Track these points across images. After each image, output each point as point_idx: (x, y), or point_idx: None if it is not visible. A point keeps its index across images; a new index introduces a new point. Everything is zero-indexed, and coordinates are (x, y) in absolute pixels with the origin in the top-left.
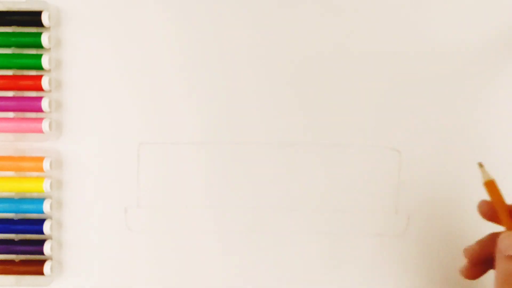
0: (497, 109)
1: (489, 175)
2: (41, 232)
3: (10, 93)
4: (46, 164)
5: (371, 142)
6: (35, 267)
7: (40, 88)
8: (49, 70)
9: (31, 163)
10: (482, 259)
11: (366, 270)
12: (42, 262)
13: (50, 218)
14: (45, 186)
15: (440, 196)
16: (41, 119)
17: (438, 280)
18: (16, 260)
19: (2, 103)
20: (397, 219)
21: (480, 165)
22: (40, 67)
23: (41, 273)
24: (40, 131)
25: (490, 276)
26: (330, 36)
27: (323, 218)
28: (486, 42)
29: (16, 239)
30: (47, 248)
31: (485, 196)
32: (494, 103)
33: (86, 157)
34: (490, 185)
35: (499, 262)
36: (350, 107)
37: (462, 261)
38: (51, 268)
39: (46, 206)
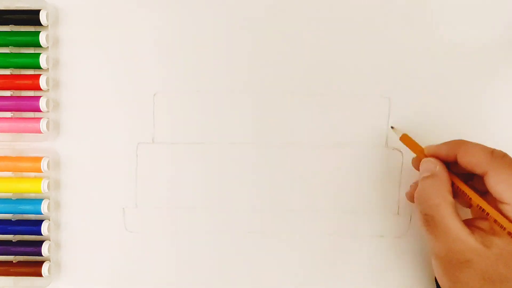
0: (501, 108)
1: (401, 131)
2: (39, 233)
3: (7, 93)
4: (43, 165)
5: (373, 143)
6: (33, 268)
7: (38, 88)
8: (47, 69)
9: (28, 164)
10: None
11: (368, 271)
12: (40, 263)
13: (48, 219)
14: (43, 186)
15: None
16: (38, 119)
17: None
18: (14, 261)
19: (0, 102)
20: (398, 220)
21: (392, 127)
22: (38, 66)
23: (39, 274)
24: (38, 131)
25: None
26: (330, 36)
27: (324, 219)
28: (487, 41)
29: (13, 240)
30: (45, 249)
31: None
32: (497, 103)
33: (84, 157)
34: (405, 139)
35: (419, 184)
36: (351, 107)
37: None
38: (49, 269)
39: (43, 207)
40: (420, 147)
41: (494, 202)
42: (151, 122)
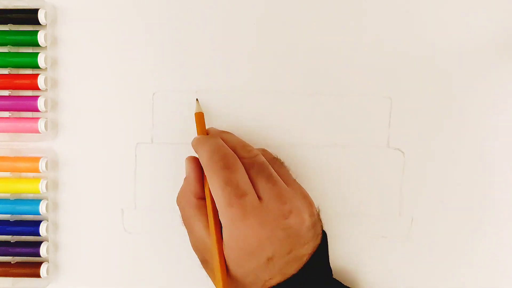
0: (501, 108)
1: (201, 109)
2: (37, 234)
3: (5, 92)
4: (42, 165)
5: (374, 143)
6: (31, 269)
7: (36, 87)
8: (45, 69)
9: (26, 164)
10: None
11: (369, 273)
12: (38, 264)
13: (46, 219)
14: (41, 187)
15: (444, 198)
16: (37, 119)
17: (441, 282)
18: (12, 262)
19: None
20: (400, 221)
21: (196, 99)
22: (36, 66)
23: (37, 275)
24: (36, 131)
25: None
26: (330, 36)
27: (326, 221)
28: (487, 41)
29: (11, 241)
30: (43, 250)
31: (492, 197)
32: (499, 102)
33: (82, 157)
34: (198, 117)
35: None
36: (352, 107)
37: (467, 263)
38: (47, 270)
39: (42, 208)
40: (203, 132)
41: None
42: (150, 122)
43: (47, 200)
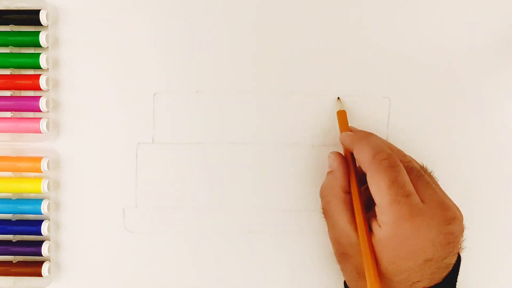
0: (501, 108)
1: (343, 107)
2: (39, 233)
3: (7, 93)
4: (43, 165)
5: None
6: (33, 269)
7: (37, 88)
8: (47, 69)
9: (28, 164)
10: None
11: None
12: (40, 263)
13: (48, 219)
14: (43, 186)
15: None
16: (38, 119)
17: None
18: (14, 261)
19: (0, 102)
20: None
21: (338, 98)
22: (38, 66)
23: (39, 275)
24: (38, 131)
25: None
26: (330, 36)
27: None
28: (487, 41)
29: (13, 240)
30: (44, 249)
31: (490, 196)
32: (498, 102)
33: (84, 157)
34: (341, 115)
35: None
36: (351, 107)
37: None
38: (49, 269)
39: (43, 207)
40: (346, 129)
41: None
42: (151, 122)
43: (49, 199)
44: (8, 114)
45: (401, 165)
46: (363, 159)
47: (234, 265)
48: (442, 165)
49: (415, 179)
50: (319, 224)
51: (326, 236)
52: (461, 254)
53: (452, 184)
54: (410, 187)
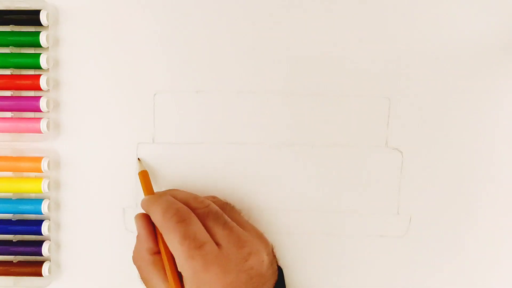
0: (501, 108)
1: (144, 167)
2: (39, 233)
3: (7, 93)
4: (44, 165)
5: (373, 143)
6: (33, 268)
7: (38, 88)
8: (47, 70)
9: (29, 164)
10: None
11: (367, 271)
12: (40, 263)
13: (48, 219)
14: (43, 186)
15: (441, 197)
16: (39, 119)
17: (439, 281)
18: (14, 261)
19: (0, 102)
20: (398, 220)
21: (138, 159)
22: (38, 67)
23: (39, 274)
24: (38, 131)
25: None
26: (329, 36)
27: (324, 219)
28: (487, 41)
29: (14, 240)
30: (45, 249)
31: (489, 196)
32: (497, 103)
33: (84, 157)
34: (143, 176)
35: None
36: (351, 107)
37: (465, 262)
38: (49, 269)
39: (44, 207)
40: (150, 191)
41: None
42: (151, 122)
43: (49, 199)
44: (8, 114)
45: (192, 215)
46: (156, 220)
47: None
48: (442, 165)
49: (212, 223)
50: (320, 225)
51: (328, 236)
52: (281, 267)
53: (451, 183)
54: (203, 235)
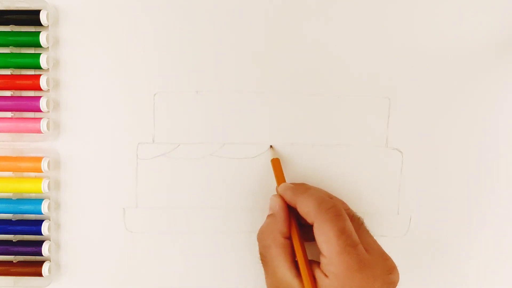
0: (500, 108)
1: (276, 155)
2: (39, 233)
3: (8, 93)
4: (44, 165)
5: (373, 143)
6: (33, 268)
7: (38, 88)
8: (47, 70)
9: (29, 164)
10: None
11: None
12: (40, 263)
13: (48, 219)
14: (43, 186)
15: (442, 197)
16: (39, 119)
17: (440, 281)
18: (14, 261)
19: (0, 102)
20: (399, 220)
21: (271, 146)
22: (38, 67)
23: (39, 274)
24: (38, 131)
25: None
26: (330, 36)
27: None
28: (487, 41)
29: (14, 240)
30: (45, 249)
31: (489, 196)
32: (497, 103)
33: (84, 157)
34: (275, 163)
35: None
36: (351, 107)
37: (465, 262)
38: (49, 269)
39: (44, 207)
40: (283, 178)
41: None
42: (152, 122)
43: (49, 199)
44: (8, 114)
45: (345, 214)
46: (309, 209)
47: (234, 265)
48: (442, 165)
49: (357, 228)
50: None
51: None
52: None
53: (451, 183)
54: (356, 236)
